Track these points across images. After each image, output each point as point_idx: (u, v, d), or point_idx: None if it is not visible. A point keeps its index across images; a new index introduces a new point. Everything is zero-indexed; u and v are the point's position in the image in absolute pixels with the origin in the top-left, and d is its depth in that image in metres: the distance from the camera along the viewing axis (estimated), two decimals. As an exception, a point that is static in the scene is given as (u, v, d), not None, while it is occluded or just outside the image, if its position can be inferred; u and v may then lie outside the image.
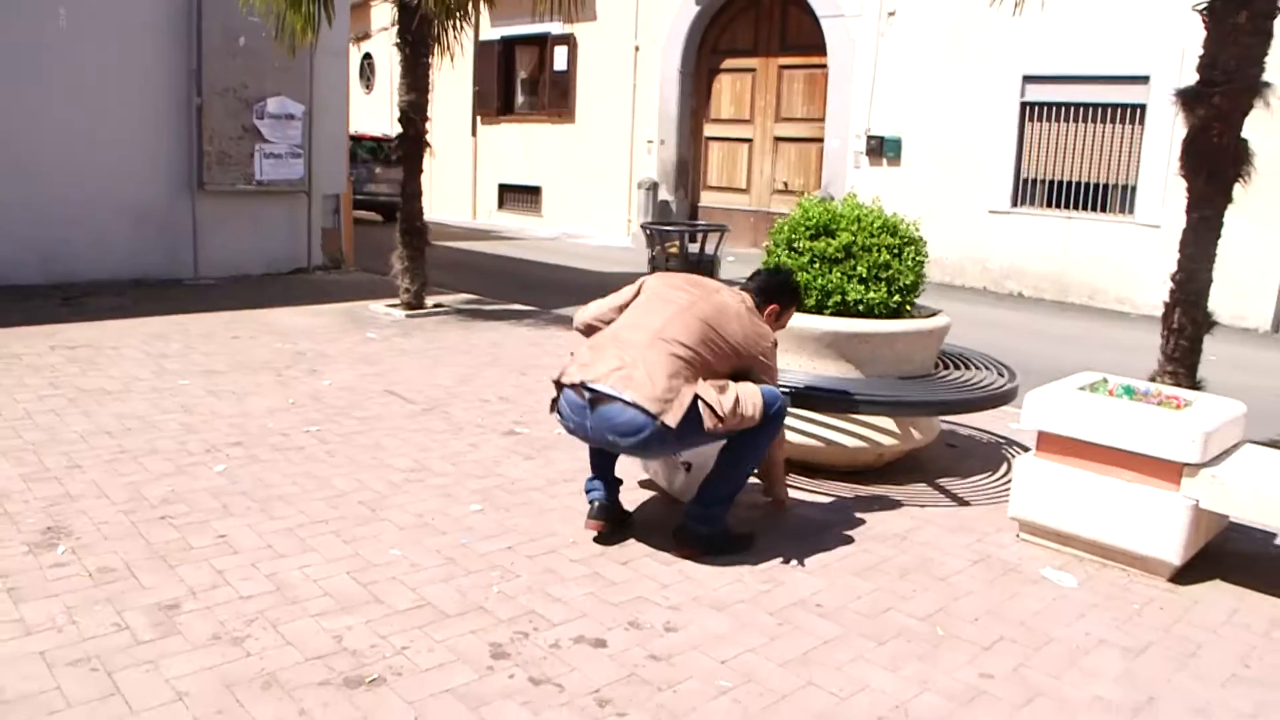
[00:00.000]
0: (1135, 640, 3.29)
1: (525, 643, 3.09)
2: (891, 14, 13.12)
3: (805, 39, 14.22)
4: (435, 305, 8.83)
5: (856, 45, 13.37)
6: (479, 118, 18.75)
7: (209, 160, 9.67)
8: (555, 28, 16.83)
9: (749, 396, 3.71)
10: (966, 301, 11.40)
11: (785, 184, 14.72)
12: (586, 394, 3.65)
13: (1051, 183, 12.20)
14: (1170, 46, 10.50)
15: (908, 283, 4.67)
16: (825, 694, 2.88)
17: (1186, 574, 3.80)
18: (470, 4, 8.30)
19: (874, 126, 13.33)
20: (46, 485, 4.24)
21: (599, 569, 3.65)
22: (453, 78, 18.90)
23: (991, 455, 5.31)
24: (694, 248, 8.90)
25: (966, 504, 4.53)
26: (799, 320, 4.45)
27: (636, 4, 15.90)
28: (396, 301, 8.66)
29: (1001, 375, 4.80)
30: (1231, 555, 4.05)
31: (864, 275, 4.59)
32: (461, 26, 8.42)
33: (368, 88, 20.54)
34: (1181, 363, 4.76)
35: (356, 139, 16.91)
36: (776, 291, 4.12)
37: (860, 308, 4.58)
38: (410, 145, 8.45)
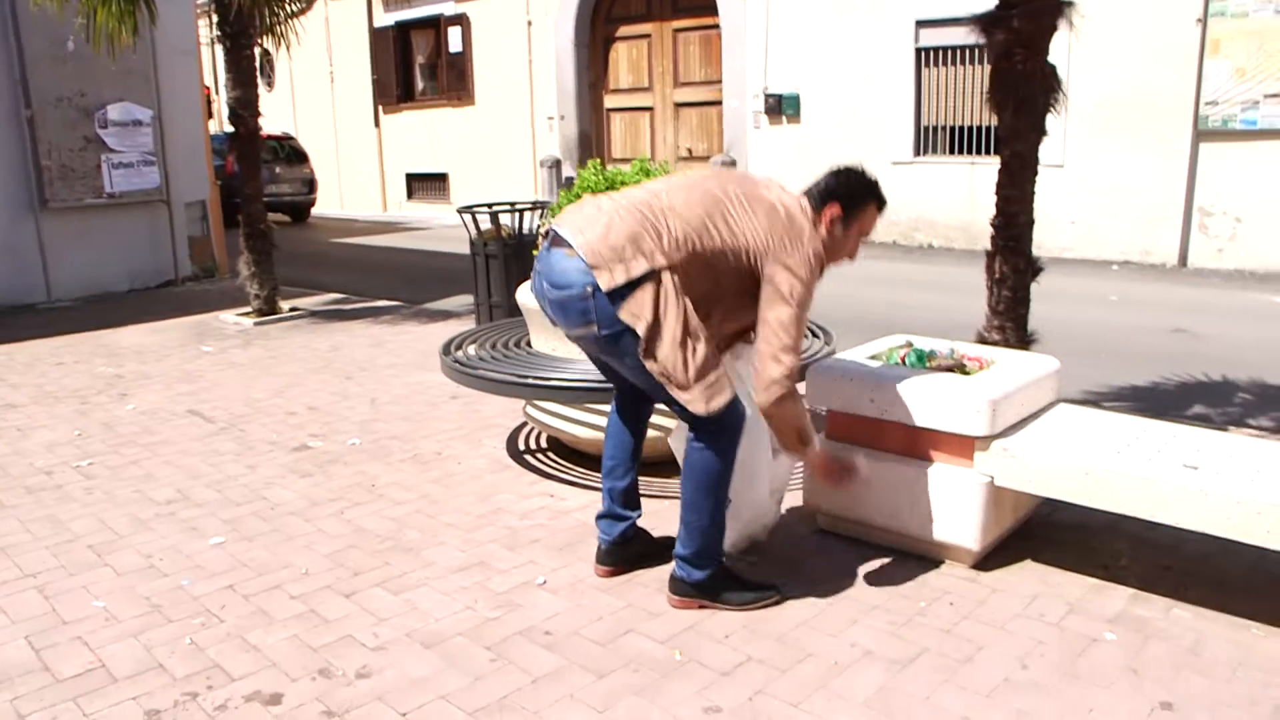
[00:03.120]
0: (906, 649, 2.84)
1: (191, 706, 2.66)
2: (779, -34, 12.64)
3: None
4: (291, 309, 8.33)
5: (748, 2, 12.89)
6: (380, 107, 18.14)
7: (49, 175, 9.11)
8: (448, 8, 16.27)
9: (706, 357, 2.83)
10: (874, 257, 10.94)
11: (689, 150, 14.25)
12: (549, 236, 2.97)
13: (952, 129, 11.79)
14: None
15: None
16: (516, 748, 2.46)
17: (998, 556, 3.41)
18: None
19: (771, 85, 12.87)
20: None
21: (317, 605, 3.20)
22: (351, 68, 18.30)
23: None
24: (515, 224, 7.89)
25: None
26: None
27: (527, -23, 15.36)
28: (248, 310, 8.16)
29: (816, 338, 4.39)
30: (1054, 529, 3.65)
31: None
32: (289, 13, 7.88)
33: (269, 85, 19.87)
34: (1008, 316, 4.30)
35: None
36: (839, 187, 3.03)
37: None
38: (244, 144, 7.92)
